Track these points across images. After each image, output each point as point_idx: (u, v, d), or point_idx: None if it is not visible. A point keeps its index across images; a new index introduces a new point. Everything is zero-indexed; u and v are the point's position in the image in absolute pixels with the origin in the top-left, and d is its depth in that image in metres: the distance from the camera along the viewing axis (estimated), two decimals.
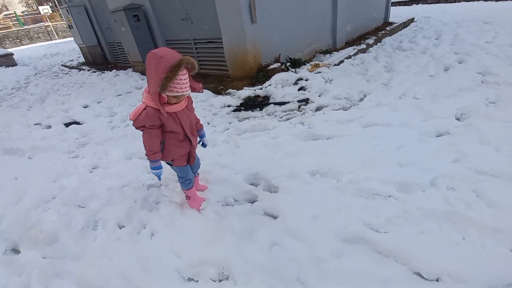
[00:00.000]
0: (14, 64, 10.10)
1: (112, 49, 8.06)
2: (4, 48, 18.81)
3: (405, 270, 1.39)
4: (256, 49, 4.42)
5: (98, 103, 4.48)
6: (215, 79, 4.93)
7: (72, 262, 1.70)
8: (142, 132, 1.58)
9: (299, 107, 3.64)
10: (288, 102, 3.76)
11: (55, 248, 1.82)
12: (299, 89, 4.08)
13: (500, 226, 1.47)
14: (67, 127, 3.84)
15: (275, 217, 1.86)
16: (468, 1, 12.39)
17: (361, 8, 6.49)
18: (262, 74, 4.40)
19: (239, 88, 4.30)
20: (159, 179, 1.77)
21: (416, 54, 4.98)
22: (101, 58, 8.45)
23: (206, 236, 1.75)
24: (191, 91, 1.54)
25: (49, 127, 3.94)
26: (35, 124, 4.10)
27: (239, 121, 3.46)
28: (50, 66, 9.36)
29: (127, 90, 5.05)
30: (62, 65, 9.10)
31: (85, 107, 4.42)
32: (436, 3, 14.16)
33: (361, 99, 3.56)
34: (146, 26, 5.82)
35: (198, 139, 1.92)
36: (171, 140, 1.65)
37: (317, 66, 4.59)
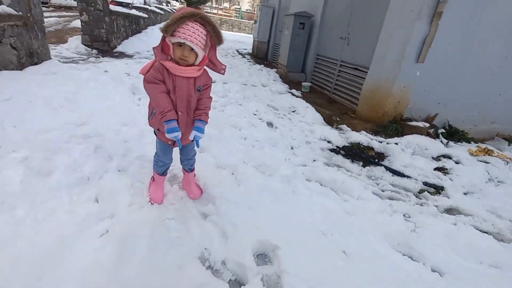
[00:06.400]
0: None
1: (274, 49, 8.73)
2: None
3: None
4: (404, 95, 3.36)
5: (223, 83, 4.79)
6: (338, 109, 4.21)
7: None
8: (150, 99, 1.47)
9: (421, 191, 2.43)
10: (408, 177, 2.60)
11: None
12: (436, 169, 2.77)
13: None
14: None
15: None
16: None
17: None
18: (394, 127, 3.31)
19: (355, 129, 3.43)
20: (179, 144, 1.45)
21: None
22: (263, 54, 9.36)
23: None
24: (212, 69, 1.45)
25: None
26: None
27: (325, 164, 2.68)
28: (230, 48, 11.34)
29: (253, 83, 5.19)
30: (236, 50, 10.80)
31: (213, 82, 4.83)
32: None
33: None
34: (307, 36, 5.76)
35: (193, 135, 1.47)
36: None
37: (487, 152, 2.99)
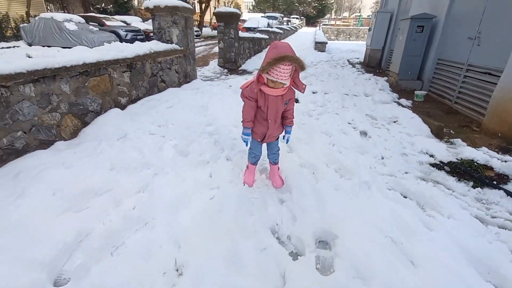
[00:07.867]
0: (323, 50, 13.30)
1: (389, 56, 8.07)
2: (333, 38, 25.08)
3: None
4: None
5: (324, 93, 5.02)
6: (457, 120, 3.63)
7: None
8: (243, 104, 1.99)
9: None
10: None
11: None
12: None
13: None
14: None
15: None
16: None
17: None
18: None
19: (474, 144, 2.92)
20: (247, 144, 2.08)
21: None
22: (375, 63, 8.80)
23: None
24: (294, 88, 1.83)
25: None
26: None
27: (418, 178, 2.50)
28: (341, 58, 11.26)
29: (356, 93, 5.13)
30: (347, 60, 10.62)
31: (314, 93, 5.15)
32: None
33: None
34: (426, 39, 5.16)
35: (282, 134, 2.13)
36: (256, 115, 1.99)
37: None
